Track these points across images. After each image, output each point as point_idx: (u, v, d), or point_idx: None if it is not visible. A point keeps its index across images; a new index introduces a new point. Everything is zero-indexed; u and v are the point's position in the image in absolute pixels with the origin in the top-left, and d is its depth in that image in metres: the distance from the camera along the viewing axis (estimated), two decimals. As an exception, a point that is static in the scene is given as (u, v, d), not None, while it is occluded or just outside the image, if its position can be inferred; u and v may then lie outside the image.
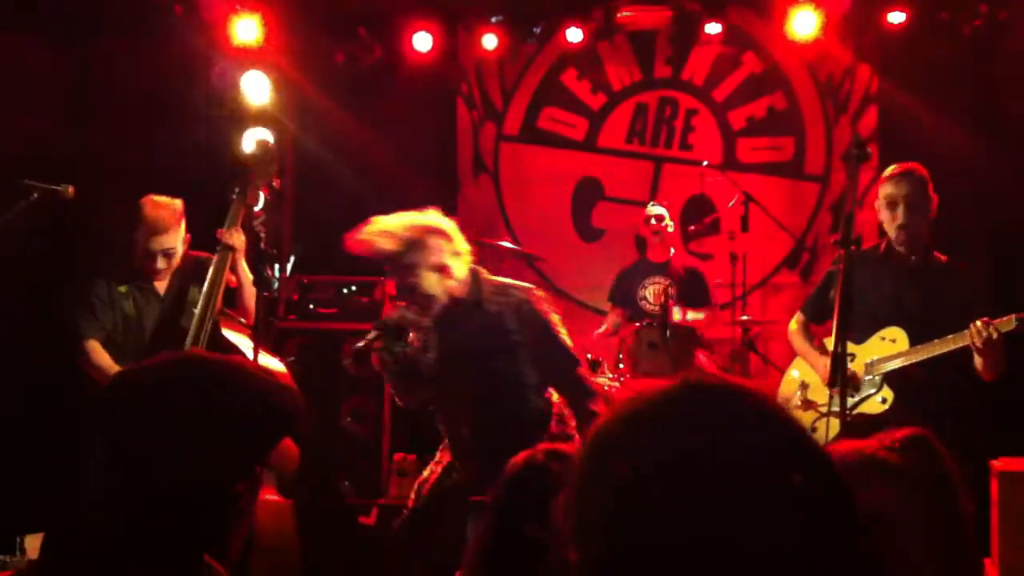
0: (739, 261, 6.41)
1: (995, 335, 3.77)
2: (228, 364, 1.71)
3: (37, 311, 5.72)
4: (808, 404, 4.28)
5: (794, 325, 4.49)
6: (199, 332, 4.14)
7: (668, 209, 6.63)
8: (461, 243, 3.84)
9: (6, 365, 5.57)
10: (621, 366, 5.95)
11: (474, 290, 3.86)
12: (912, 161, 4.21)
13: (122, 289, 4.48)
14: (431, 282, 3.76)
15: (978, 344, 3.81)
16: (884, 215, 4.17)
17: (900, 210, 4.07)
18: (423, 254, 3.72)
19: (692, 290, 6.52)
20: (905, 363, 4.04)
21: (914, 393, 4.04)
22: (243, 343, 4.25)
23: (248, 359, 3.67)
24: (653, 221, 6.55)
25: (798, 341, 4.45)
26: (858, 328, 4.04)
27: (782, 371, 6.46)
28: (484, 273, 3.95)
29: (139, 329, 4.48)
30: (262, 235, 3.92)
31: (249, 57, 6.59)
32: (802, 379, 4.39)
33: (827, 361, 4.04)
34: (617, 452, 1.04)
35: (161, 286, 4.55)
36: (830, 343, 4.11)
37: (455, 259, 3.80)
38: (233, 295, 4.45)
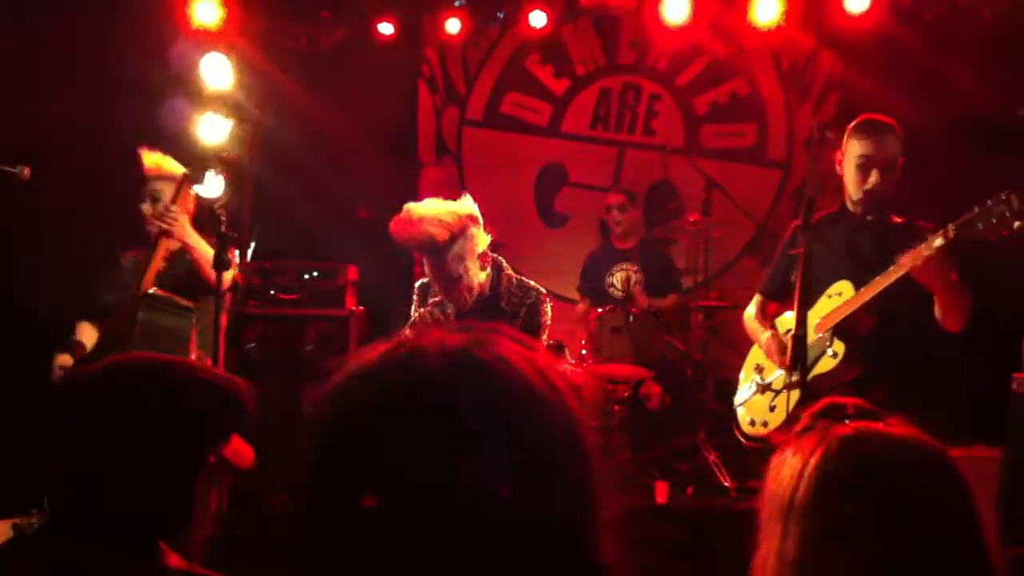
0: (702, 247, 6.42)
1: (930, 252, 3.36)
2: (180, 362, 1.83)
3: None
4: (764, 387, 4.04)
5: (751, 309, 4.23)
6: (130, 314, 4.09)
7: (630, 196, 6.64)
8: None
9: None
10: (584, 352, 5.95)
11: (495, 282, 3.84)
12: (881, 115, 3.86)
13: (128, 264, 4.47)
14: (475, 272, 3.73)
15: (918, 264, 3.39)
16: (851, 174, 3.78)
17: (873, 174, 3.71)
18: (470, 244, 3.69)
19: (659, 274, 6.54)
20: (850, 310, 3.64)
21: (864, 341, 3.67)
22: (180, 325, 4.19)
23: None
24: (615, 212, 6.58)
25: (751, 325, 4.19)
26: (814, 297, 3.76)
27: (743, 356, 6.55)
28: (505, 265, 3.91)
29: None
30: (223, 218, 3.84)
31: (209, 39, 6.50)
32: (756, 362, 4.18)
33: (769, 335, 3.97)
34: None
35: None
36: (781, 322, 4.04)
37: (485, 247, 3.78)
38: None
